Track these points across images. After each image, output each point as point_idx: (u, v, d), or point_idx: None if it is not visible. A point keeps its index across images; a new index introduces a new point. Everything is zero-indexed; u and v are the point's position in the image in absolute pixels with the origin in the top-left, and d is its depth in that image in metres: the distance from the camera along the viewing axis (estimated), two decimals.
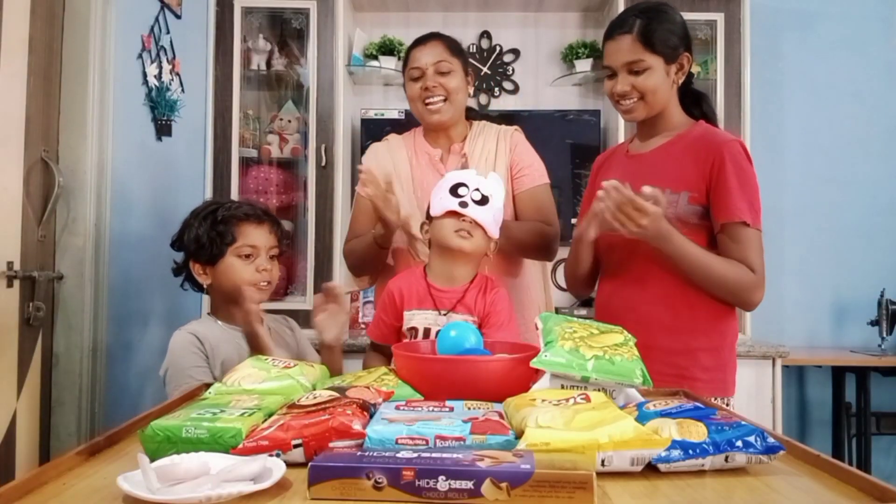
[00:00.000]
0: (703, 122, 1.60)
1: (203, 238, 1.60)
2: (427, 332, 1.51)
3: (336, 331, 1.59)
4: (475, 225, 1.49)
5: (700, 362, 1.52)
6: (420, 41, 1.85)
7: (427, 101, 1.80)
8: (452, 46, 1.85)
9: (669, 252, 1.45)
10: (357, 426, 0.89)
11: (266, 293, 1.64)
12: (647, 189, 1.39)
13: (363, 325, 2.91)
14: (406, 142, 1.93)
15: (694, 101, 1.65)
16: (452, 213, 1.48)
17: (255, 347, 1.52)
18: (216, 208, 1.65)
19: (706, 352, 1.53)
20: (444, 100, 1.80)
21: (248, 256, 1.61)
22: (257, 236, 1.63)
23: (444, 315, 1.52)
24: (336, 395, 1.00)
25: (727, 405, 1.54)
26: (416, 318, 1.53)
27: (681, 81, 1.59)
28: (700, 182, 1.50)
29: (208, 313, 1.71)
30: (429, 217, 1.56)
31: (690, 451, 0.85)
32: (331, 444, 0.86)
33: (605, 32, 1.59)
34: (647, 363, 1.18)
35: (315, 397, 0.99)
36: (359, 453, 0.80)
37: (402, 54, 2.03)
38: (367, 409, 0.97)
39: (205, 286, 1.66)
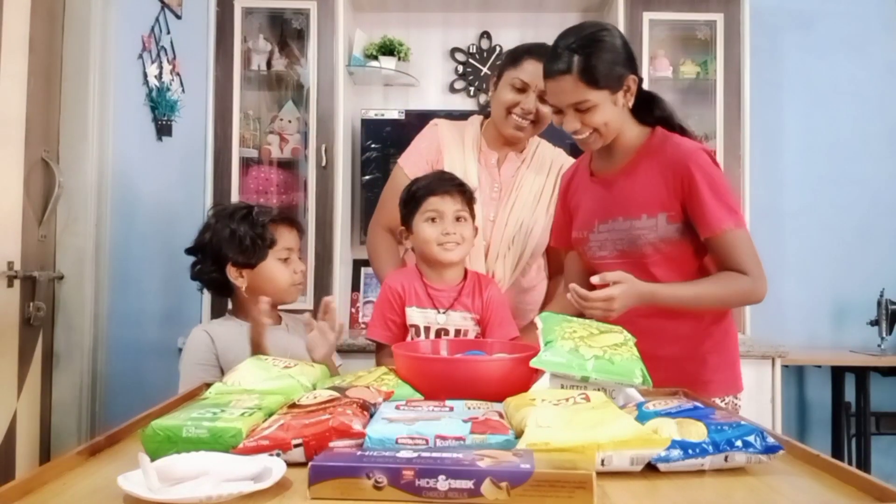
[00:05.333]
0: (659, 129, 1.55)
1: (246, 240, 1.59)
2: (427, 330, 1.52)
3: (324, 350, 1.50)
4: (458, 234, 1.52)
5: (709, 364, 1.53)
6: (542, 54, 1.65)
7: (518, 115, 1.77)
8: None
9: (663, 307, 1.45)
10: (357, 426, 0.89)
11: (298, 294, 1.68)
12: (594, 280, 1.38)
13: (363, 325, 2.91)
14: (471, 133, 1.91)
15: (645, 106, 1.57)
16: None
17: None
18: (248, 211, 1.63)
19: (713, 353, 1.53)
20: (533, 122, 1.79)
21: (285, 259, 1.63)
22: (291, 239, 1.66)
23: (444, 314, 1.53)
24: (336, 395, 1.00)
25: (738, 401, 1.56)
26: (416, 316, 1.54)
27: (631, 103, 1.52)
28: (674, 201, 1.48)
29: (229, 312, 1.70)
30: (404, 223, 1.57)
31: (690, 451, 0.85)
32: (331, 444, 0.86)
33: (543, 68, 1.51)
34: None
35: (315, 397, 1.00)
36: (359, 453, 0.80)
37: (508, 53, 1.88)
38: (367, 409, 0.98)
39: (241, 288, 1.63)
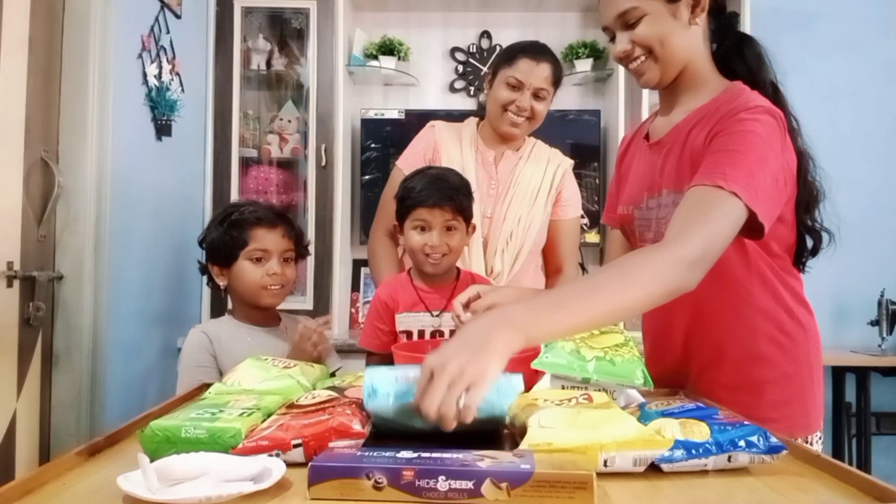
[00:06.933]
0: (739, 83, 1.23)
1: (217, 242, 1.64)
2: (421, 334, 1.52)
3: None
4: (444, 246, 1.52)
5: (766, 398, 1.20)
6: (536, 53, 1.80)
7: (513, 112, 1.81)
8: (556, 74, 1.84)
9: (559, 333, 1.01)
10: (357, 426, 0.88)
11: (280, 297, 1.67)
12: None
13: (362, 325, 2.91)
14: (468, 133, 1.94)
15: (736, 48, 1.27)
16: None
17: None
18: (231, 212, 1.67)
19: (773, 383, 1.21)
20: (528, 119, 1.83)
21: (258, 260, 1.63)
22: (269, 240, 1.64)
23: (437, 316, 1.52)
24: (335, 395, 1.00)
25: (810, 443, 1.22)
26: (409, 322, 1.53)
27: (700, 21, 1.21)
28: None
29: (228, 312, 1.73)
30: (398, 220, 1.57)
31: (693, 452, 0.85)
32: (330, 444, 0.86)
33: None
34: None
35: (314, 397, 0.99)
36: (359, 453, 0.80)
37: (503, 51, 1.90)
38: None
39: (222, 287, 1.69)
